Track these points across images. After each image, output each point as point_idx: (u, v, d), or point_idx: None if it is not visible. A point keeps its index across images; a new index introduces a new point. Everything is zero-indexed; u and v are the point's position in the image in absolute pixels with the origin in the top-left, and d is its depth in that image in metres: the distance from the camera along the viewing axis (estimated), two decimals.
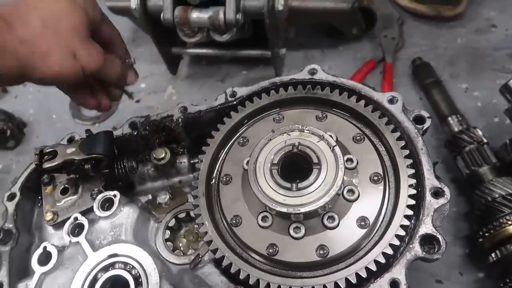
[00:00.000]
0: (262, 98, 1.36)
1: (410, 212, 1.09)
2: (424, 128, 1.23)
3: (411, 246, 1.04)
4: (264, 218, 1.14)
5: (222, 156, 1.32)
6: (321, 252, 1.08)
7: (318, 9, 1.93)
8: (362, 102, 1.28)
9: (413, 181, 1.13)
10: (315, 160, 1.10)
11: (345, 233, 1.09)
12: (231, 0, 1.69)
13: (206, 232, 1.15)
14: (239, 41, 1.92)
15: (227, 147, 1.33)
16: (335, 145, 1.11)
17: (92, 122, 2.26)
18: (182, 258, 1.27)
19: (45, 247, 1.22)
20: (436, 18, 2.22)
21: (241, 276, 1.08)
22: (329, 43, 2.26)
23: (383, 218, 1.13)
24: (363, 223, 1.10)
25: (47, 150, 1.29)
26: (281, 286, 1.04)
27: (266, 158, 1.13)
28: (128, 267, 1.18)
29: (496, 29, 2.16)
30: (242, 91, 1.39)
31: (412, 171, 1.15)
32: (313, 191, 1.06)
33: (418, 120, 1.24)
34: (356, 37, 2.21)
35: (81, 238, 1.22)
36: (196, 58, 2.35)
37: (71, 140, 1.44)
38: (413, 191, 1.12)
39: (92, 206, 1.28)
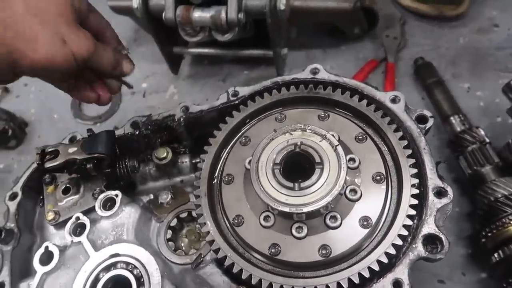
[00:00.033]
0: (264, 97, 1.36)
1: (413, 212, 1.09)
2: (427, 127, 1.22)
3: (414, 246, 1.04)
4: (266, 218, 1.13)
5: (224, 156, 1.31)
6: (324, 252, 1.07)
7: (320, 8, 1.93)
8: (365, 101, 1.28)
9: (416, 181, 1.13)
10: (317, 159, 1.10)
11: (347, 233, 1.09)
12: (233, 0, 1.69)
13: (208, 232, 1.15)
14: (241, 40, 1.92)
15: (229, 146, 1.33)
16: (338, 145, 1.11)
17: (93, 121, 2.26)
18: (184, 258, 1.27)
19: (46, 247, 1.22)
20: (438, 17, 2.21)
21: (243, 276, 1.08)
22: (331, 43, 2.26)
23: (385, 218, 1.12)
24: (365, 223, 1.09)
25: (49, 150, 1.29)
26: (284, 286, 1.04)
27: (268, 157, 1.13)
28: (130, 267, 1.18)
29: (498, 29, 2.16)
30: (244, 91, 1.39)
31: (415, 170, 1.14)
32: (316, 190, 1.06)
33: (421, 119, 1.23)
34: (358, 37, 2.21)
35: (83, 238, 1.22)
36: (198, 58, 2.35)
37: (72, 140, 1.44)
38: (416, 191, 1.11)
39: (94, 206, 1.28)
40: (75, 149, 1.27)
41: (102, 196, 1.29)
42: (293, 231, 1.10)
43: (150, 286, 1.13)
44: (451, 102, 1.84)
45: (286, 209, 1.04)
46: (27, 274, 1.28)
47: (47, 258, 1.21)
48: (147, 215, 1.34)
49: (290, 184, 1.08)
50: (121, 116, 2.24)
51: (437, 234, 1.04)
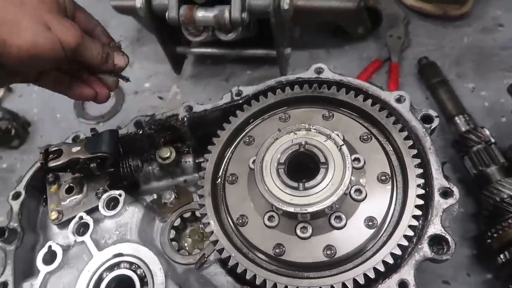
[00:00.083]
0: (268, 97, 1.35)
1: (418, 212, 1.08)
2: (432, 127, 1.22)
3: (419, 246, 1.03)
4: (270, 218, 1.13)
5: (228, 155, 1.31)
6: (328, 252, 1.07)
7: (324, 8, 1.92)
8: (369, 101, 1.27)
9: (421, 181, 1.12)
10: (322, 159, 1.09)
11: (352, 233, 1.08)
12: None
13: (212, 232, 1.14)
14: (244, 40, 1.91)
15: (233, 146, 1.32)
16: (343, 144, 1.10)
17: (96, 121, 2.26)
18: (188, 257, 1.27)
19: (50, 246, 1.22)
20: (442, 17, 2.20)
21: (248, 276, 1.07)
22: (335, 43, 2.25)
23: (391, 218, 1.11)
24: (370, 223, 1.08)
25: (53, 149, 1.28)
26: (288, 287, 1.03)
27: (272, 157, 1.12)
28: (134, 266, 1.18)
29: (503, 28, 2.15)
30: (248, 90, 1.38)
31: (420, 170, 1.14)
32: (320, 190, 1.05)
33: (426, 119, 1.22)
34: (361, 37, 2.20)
35: (86, 238, 1.22)
36: (201, 58, 2.35)
37: (76, 139, 1.44)
38: (422, 191, 1.10)
39: (97, 205, 1.28)
40: (78, 148, 1.27)
41: (105, 195, 1.29)
42: (298, 231, 1.09)
43: (153, 286, 1.13)
44: (455, 102, 1.83)
45: (291, 209, 1.03)
46: (30, 274, 1.28)
47: (50, 257, 1.21)
48: (151, 215, 1.33)
49: (295, 184, 1.07)
50: (123, 115, 2.23)
51: (443, 234, 1.03)
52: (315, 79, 1.34)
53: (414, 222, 1.06)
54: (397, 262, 1.04)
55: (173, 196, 1.36)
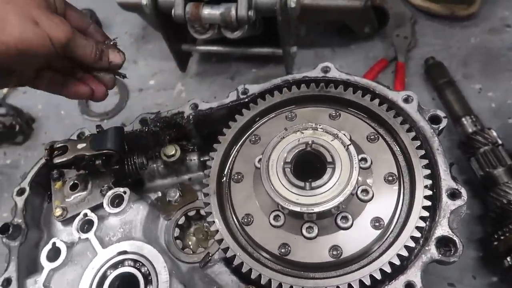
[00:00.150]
0: (274, 95, 1.34)
1: (425, 214, 1.07)
2: (440, 128, 1.20)
3: (427, 248, 1.02)
4: (276, 217, 1.12)
5: (233, 154, 1.30)
6: (334, 252, 1.06)
7: (331, 6, 1.91)
8: (377, 101, 1.26)
9: (429, 182, 1.11)
10: (329, 159, 1.08)
11: (359, 234, 1.07)
12: None
13: (217, 231, 1.13)
14: (249, 38, 1.90)
15: (239, 144, 1.31)
16: (350, 144, 1.09)
17: (100, 118, 2.26)
18: (192, 256, 1.26)
19: (54, 243, 1.22)
20: (450, 17, 2.19)
21: (253, 276, 1.06)
22: (341, 42, 2.24)
23: (397, 219, 1.10)
24: (377, 224, 1.07)
25: (58, 145, 1.28)
26: (294, 287, 1.03)
27: (279, 156, 1.11)
28: (138, 264, 1.17)
29: (510, 29, 2.13)
30: (254, 89, 1.37)
31: (428, 171, 1.12)
32: (327, 190, 1.04)
33: (434, 119, 1.21)
34: (368, 36, 2.19)
35: (91, 235, 1.22)
36: (206, 56, 2.34)
37: (81, 136, 1.43)
38: (429, 192, 1.09)
39: (102, 203, 1.27)
40: (83, 145, 1.26)
41: (110, 192, 1.28)
42: (304, 231, 1.08)
43: (158, 284, 1.12)
44: (462, 103, 1.82)
45: (297, 209, 1.02)
46: (34, 270, 1.27)
47: (54, 254, 1.20)
48: (155, 213, 1.33)
49: (301, 184, 1.06)
50: (128, 113, 2.23)
51: (451, 236, 1.02)
52: (322, 78, 1.33)
53: (422, 224, 1.05)
54: (404, 264, 1.03)
55: (178, 194, 1.36)
